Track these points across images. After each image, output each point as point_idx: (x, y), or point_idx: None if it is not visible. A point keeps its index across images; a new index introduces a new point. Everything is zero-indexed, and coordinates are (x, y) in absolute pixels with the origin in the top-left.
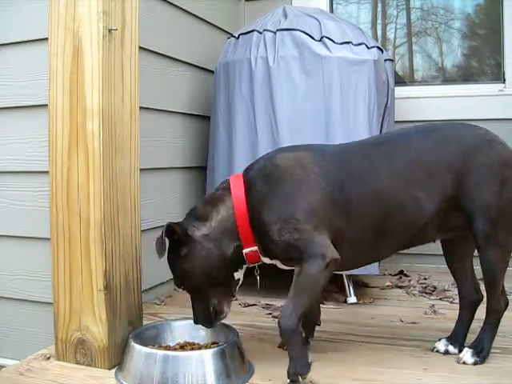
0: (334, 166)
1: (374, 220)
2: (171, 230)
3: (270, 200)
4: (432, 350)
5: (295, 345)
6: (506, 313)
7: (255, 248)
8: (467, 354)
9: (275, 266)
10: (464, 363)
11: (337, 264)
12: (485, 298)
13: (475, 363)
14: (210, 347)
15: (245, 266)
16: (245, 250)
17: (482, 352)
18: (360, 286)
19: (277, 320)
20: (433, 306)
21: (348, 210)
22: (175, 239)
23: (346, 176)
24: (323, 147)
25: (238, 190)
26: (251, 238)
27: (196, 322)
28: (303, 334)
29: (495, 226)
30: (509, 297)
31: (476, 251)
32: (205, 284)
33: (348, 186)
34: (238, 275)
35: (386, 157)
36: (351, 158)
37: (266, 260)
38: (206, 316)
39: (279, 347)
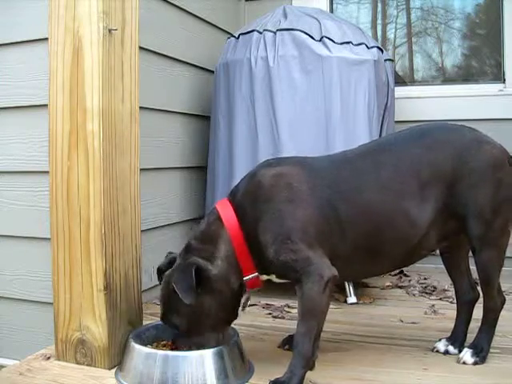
0: (321, 182)
1: (366, 236)
2: (198, 271)
3: (262, 222)
4: (432, 350)
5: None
6: (504, 313)
7: (255, 274)
8: (467, 354)
9: None
10: (464, 363)
11: (335, 281)
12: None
13: (475, 363)
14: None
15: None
16: (246, 278)
17: (481, 352)
18: (360, 286)
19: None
20: (433, 305)
21: (340, 225)
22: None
23: (334, 191)
24: (310, 161)
25: (230, 220)
26: (252, 265)
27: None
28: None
29: (489, 227)
30: (508, 296)
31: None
32: (212, 324)
33: (337, 202)
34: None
35: (373, 169)
36: (338, 171)
37: (263, 277)
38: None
39: (279, 347)
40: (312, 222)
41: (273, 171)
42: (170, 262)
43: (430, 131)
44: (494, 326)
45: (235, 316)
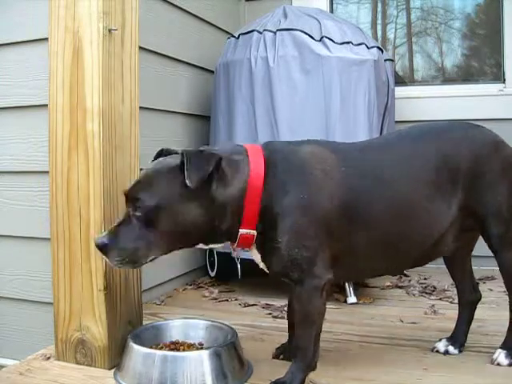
0: (354, 173)
1: (388, 232)
2: (218, 164)
3: (287, 199)
4: (432, 350)
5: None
6: (505, 313)
7: (254, 232)
8: (501, 356)
9: None
10: (498, 364)
11: (330, 284)
12: (492, 298)
13: (510, 364)
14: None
15: (219, 245)
16: (242, 231)
17: None
18: (360, 286)
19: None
20: (433, 306)
21: (363, 220)
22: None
23: (366, 185)
24: (345, 149)
25: (256, 166)
26: (255, 222)
27: (102, 246)
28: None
29: (508, 226)
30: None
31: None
32: (168, 230)
33: (367, 196)
34: (204, 246)
35: (403, 162)
36: (370, 163)
37: (257, 256)
38: (130, 251)
39: (274, 358)
40: (336, 216)
41: (312, 150)
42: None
43: (450, 128)
44: None
45: (191, 246)
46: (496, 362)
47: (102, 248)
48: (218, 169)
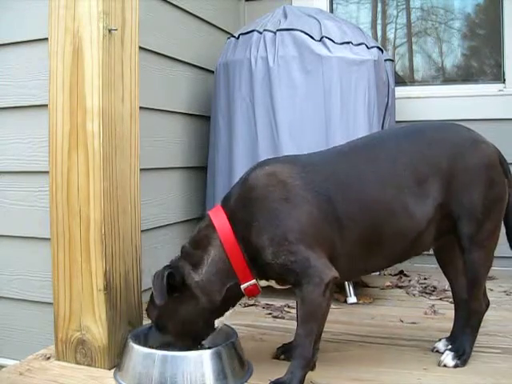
0: (317, 177)
1: (365, 231)
2: (171, 276)
3: (257, 224)
4: (432, 350)
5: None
6: (505, 313)
7: (254, 282)
8: (448, 357)
9: None
10: (445, 366)
11: (336, 281)
12: (491, 298)
13: (456, 366)
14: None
15: (235, 304)
16: (243, 286)
17: (463, 355)
18: (360, 286)
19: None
20: (433, 306)
21: (338, 221)
22: (171, 284)
23: (332, 185)
24: (303, 157)
25: (221, 224)
26: (248, 272)
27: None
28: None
29: (480, 227)
30: (509, 296)
31: None
32: (176, 331)
33: (335, 197)
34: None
35: (370, 163)
36: (335, 165)
37: (262, 283)
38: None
39: (274, 358)
40: (310, 220)
41: (264, 171)
42: None
43: (426, 128)
44: (477, 329)
45: (212, 328)
46: (443, 364)
47: None
48: (174, 276)
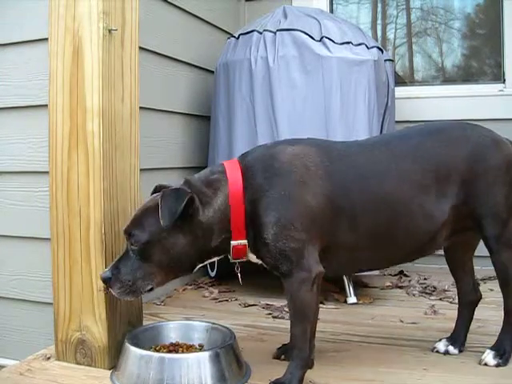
0: (340, 168)
1: (379, 227)
2: (190, 202)
3: (269, 198)
4: (432, 350)
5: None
6: None
7: (244, 241)
8: (489, 356)
9: None
10: (486, 364)
11: (321, 277)
12: (492, 298)
13: (498, 365)
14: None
15: (216, 258)
16: (233, 243)
17: (504, 354)
18: (360, 286)
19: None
20: (433, 306)
21: (353, 215)
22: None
23: (352, 179)
24: (329, 145)
25: (234, 178)
26: (243, 232)
27: (107, 280)
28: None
29: (505, 226)
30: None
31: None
32: (161, 262)
33: (353, 190)
34: (200, 264)
35: (390, 159)
36: (357, 159)
37: (252, 257)
38: (130, 282)
39: (275, 358)
40: (321, 213)
41: (293, 149)
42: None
43: (448, 128)
44: None
45: (190, 270)
46: (484, 362)
47: (106, 281)
48: (192, 204)
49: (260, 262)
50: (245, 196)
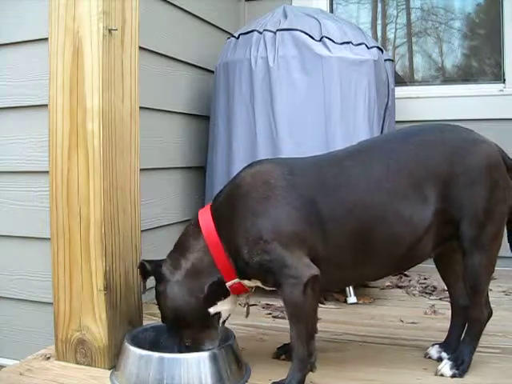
0: (304, 180)
1: (353, 238)
2: (142, 267)
3: (234, 221)
4: (425, 356)
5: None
6: (505, 313)
7: (237, 280)
8: (446, 367)
9: None
10: (442, 375)
11: (317, 280)
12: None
13: (453, 376)
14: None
15: (229, 297)
16: (228, 284)
17: (462, 365)
18: (360, 286)
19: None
20: (433, 306)
21: (323, 226)
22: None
23: (318, 189)
24: (293, 160)
25: (206, 223)
26: (232, 271)
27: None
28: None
29: (482, 230)
30: (508, 296)
31: None
32: (176, 324)
33: (320, 201)
34: (218, 308)
35: (362, 167)
36: (323, 169)
37: (246, 282)
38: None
39: (275, 358)
40: (288, 222)
41: (251, 170)
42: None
43: (424, 130)
44: (478, 338)
45: (207, 321)
46: (440, 373)
47: None
48: (158, 268)
49: (255, 284)
50: (220, 236)
